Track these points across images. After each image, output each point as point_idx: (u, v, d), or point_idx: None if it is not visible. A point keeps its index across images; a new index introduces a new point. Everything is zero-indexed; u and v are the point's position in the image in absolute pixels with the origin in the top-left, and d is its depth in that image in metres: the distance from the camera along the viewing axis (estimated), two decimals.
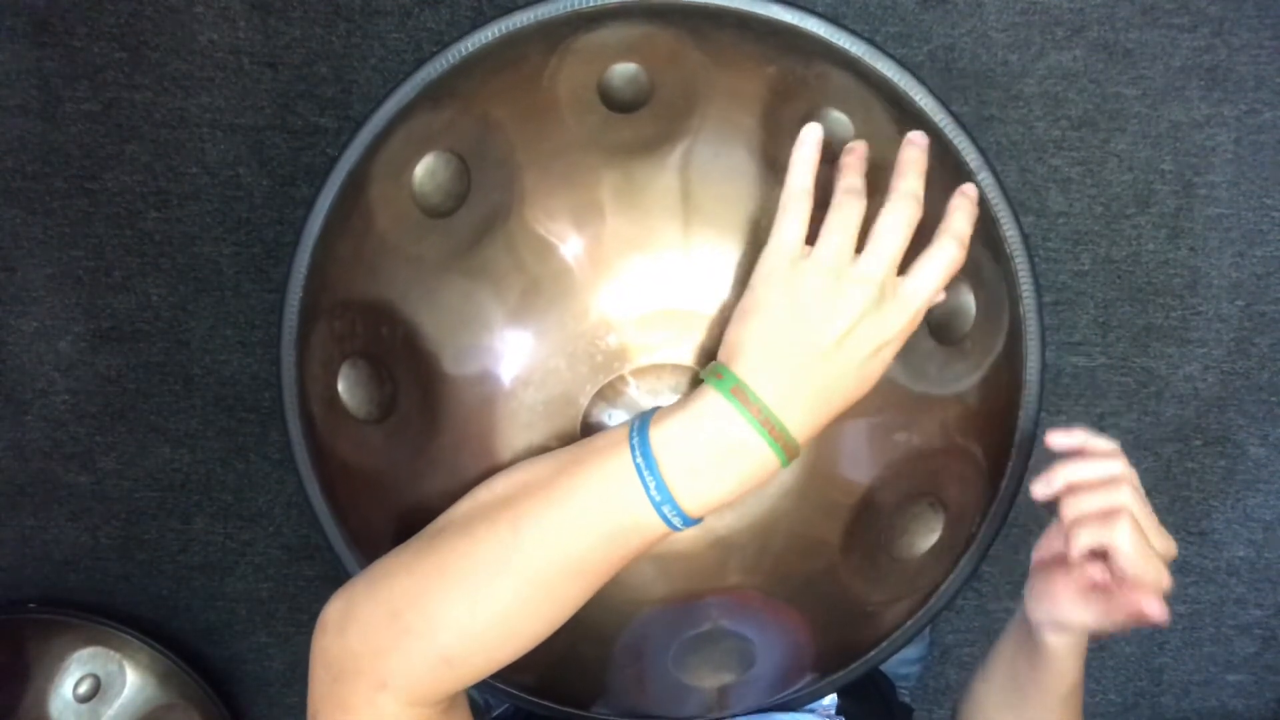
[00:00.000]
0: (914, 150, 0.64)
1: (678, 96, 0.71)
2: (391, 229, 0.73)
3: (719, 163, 0.70)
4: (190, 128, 1.47)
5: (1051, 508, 0.73)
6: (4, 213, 1.48)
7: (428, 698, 0.63)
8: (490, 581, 0.62)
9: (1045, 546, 0.77)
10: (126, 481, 1.57)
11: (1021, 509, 0.82)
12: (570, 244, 0.69)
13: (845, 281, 0.61)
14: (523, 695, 0.83)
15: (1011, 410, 0.82)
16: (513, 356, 0.70)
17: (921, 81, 0.80)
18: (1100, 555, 0.71)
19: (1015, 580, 1.61)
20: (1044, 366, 0.83)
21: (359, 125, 0.78)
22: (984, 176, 0.80)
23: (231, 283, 1.52)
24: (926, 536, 0.79)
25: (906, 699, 1.15)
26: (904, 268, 0.63)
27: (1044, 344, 0.83)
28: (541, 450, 0.70)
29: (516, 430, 0.70)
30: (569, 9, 0.76)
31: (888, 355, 0.63)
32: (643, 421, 0.62)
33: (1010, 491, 0.83)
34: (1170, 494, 1.60)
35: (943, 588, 0.83)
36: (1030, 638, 0.79)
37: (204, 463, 1.57)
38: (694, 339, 0.69)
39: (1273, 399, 1.58)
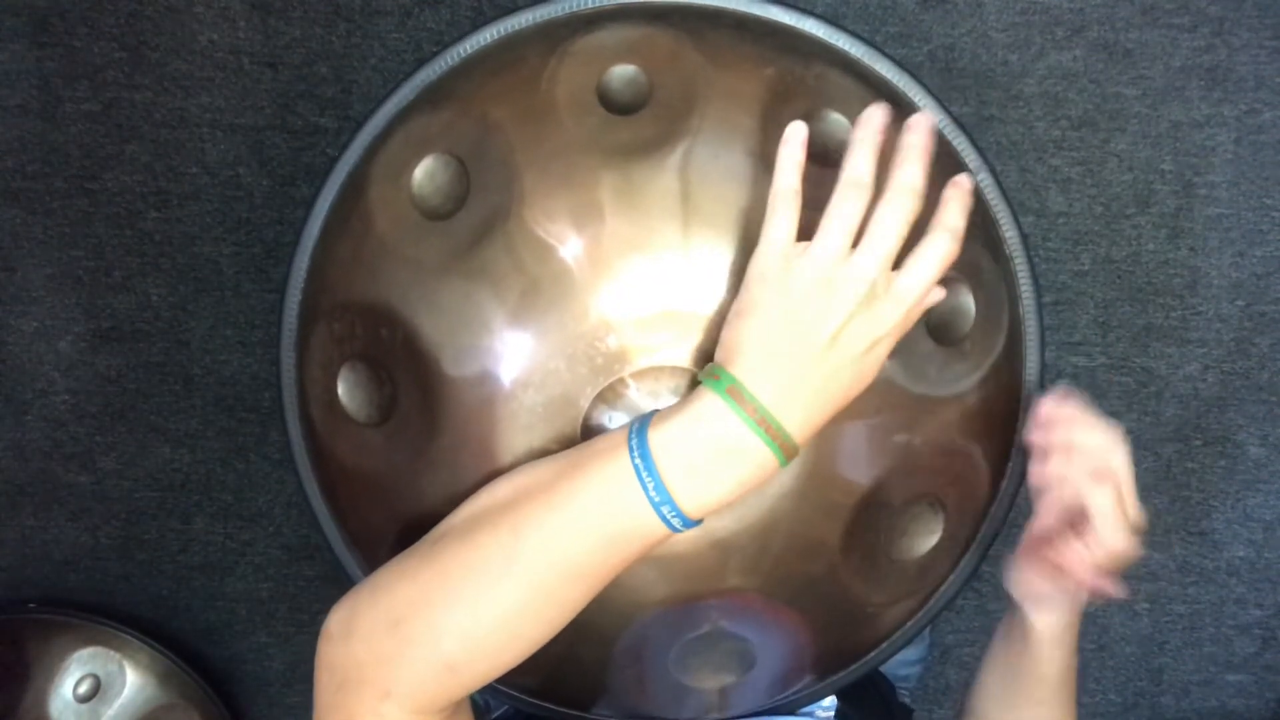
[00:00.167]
0: (915, 136, 0.62)
1: (677, 98, 0.71)
2: (391, 231, 0.73)
3: (718, 164, 0.70)
4: (190, 128, 1.47)
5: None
6: (4, 213, 1.48)
7: (432, 705, 0.63)
8: (492, 587, 0.61)
9: (1032, 528, 0.78)
10: (126, 481, 1.57)
11: (1022, 509, 0.82)
12: (569, 245, 0.69)
13: (838, 279, 0.60)
14: (523, 697, 0.83)
15: (1012, 410, 0.82)
16: (512, 358, 0.70)
17: (920, 82, 0.80)
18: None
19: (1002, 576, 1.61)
20: (1044, 367, 0.83)
21: (358, 126, 0.78)
22: (984, 176, 0.80)
23: (231, 283, 1.52)
24: (926, 537, 0.79)
25: (907, 700, 1.15)
26: (901, 259, 0.62)
27: (1044, 344, 0.83)
28: (542, 452, 0.70)
29: (516, 432, 0.70)
30: (568, 11, 0.76)
31: (882, 351, 0.62)
32: (641, 424, 0.62)
33: (1010, 492, 0.83)
34: (1170, 494, 1.60)
35: (943, 588, 0.83)
36: (1019, 626, 0.81)
37: (204, 463, 1.57)
38: (694, 341, 0.69)
39: (1273, 399, 1.58)
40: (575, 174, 0.70)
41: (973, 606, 1.62)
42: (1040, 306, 0.82)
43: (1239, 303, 1.55)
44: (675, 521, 0.61)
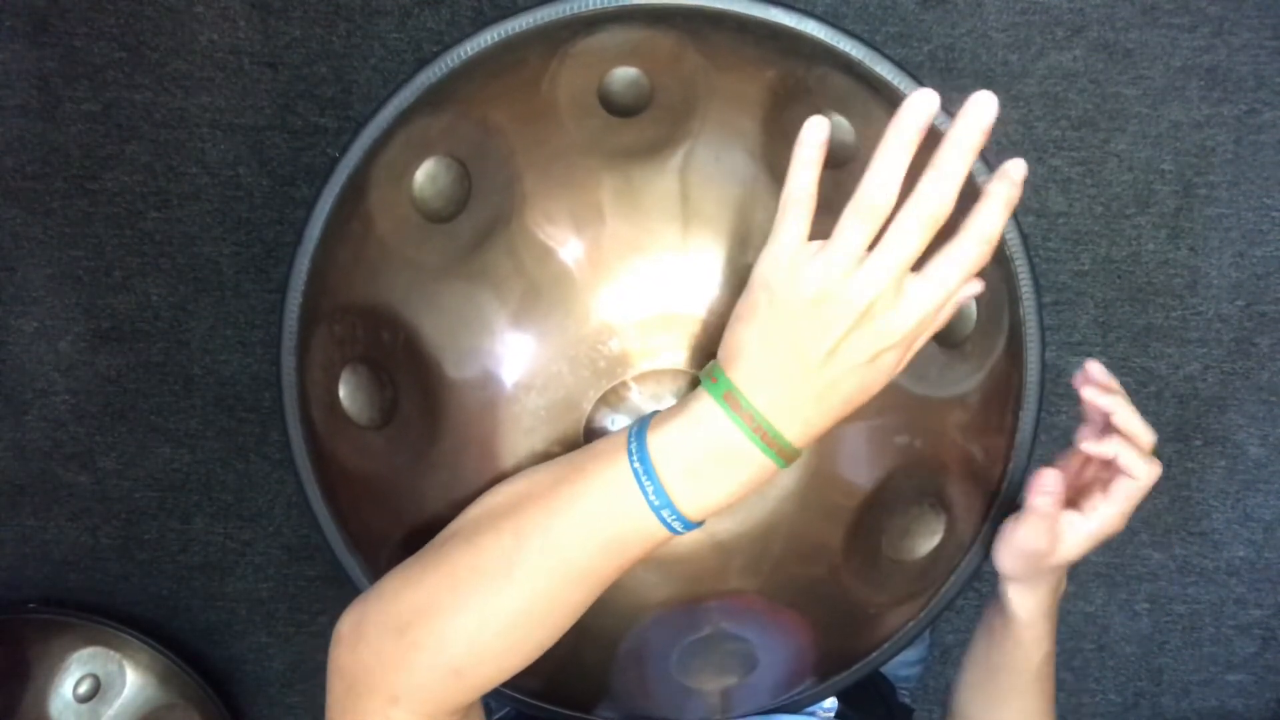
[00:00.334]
0: (968, 125, 0.56)
1: (677, 100, 0.71)
2: (392, 234, 0.73)
3: (719, 166, 0.70)
4: (190, 128, 1.47)
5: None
6: (4, 213, 1.48)
7: (440, 710, 0.63)
8: (496, 592, 0.61)
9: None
10: (126, 481, 1.57)
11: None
12: (570, 248, 0.69)
13: (842, 293, 0.57)
14: (526, 699, 0.83)
15: (1012, 411, 0.82)
16: (514, 361, 0.70)
17: (920, 83, 0.80)
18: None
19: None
20: (1044, 367, 0.83)
21: (358, 129, 0.78)
22: (984, 177, 0.80)
23: (231, 283, 1.52)
24: (928, 538, 0.79)
25: (907, 700, 1.15)
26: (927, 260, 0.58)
27: (1044, 344, 0.83)
28: (544, 455, 0.70)
29: (519, 435, 0.70)
30: (569, 13, 0.76)
31: (889, 361, 0.59)
32: (641, 426, 0.62)
33: (1011, 492, 0.83)
34: (1170, 494, 1.60)
35: (944, 589, 0.83)
36: (1001, 614, 0.82)
37: (204, 463, 1.57)
38: (695, 343, 0.68)
39: (1273, 399, 1.58)
40: (576, 176, 0.70)
41: (973, 606, 1.62)
42: (1040, 307, 0.82)
43: (1239, 303, 1.55)
44: (675, 524, 0.61)
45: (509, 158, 0.71)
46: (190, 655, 1.55)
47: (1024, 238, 0.81)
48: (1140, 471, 0.75)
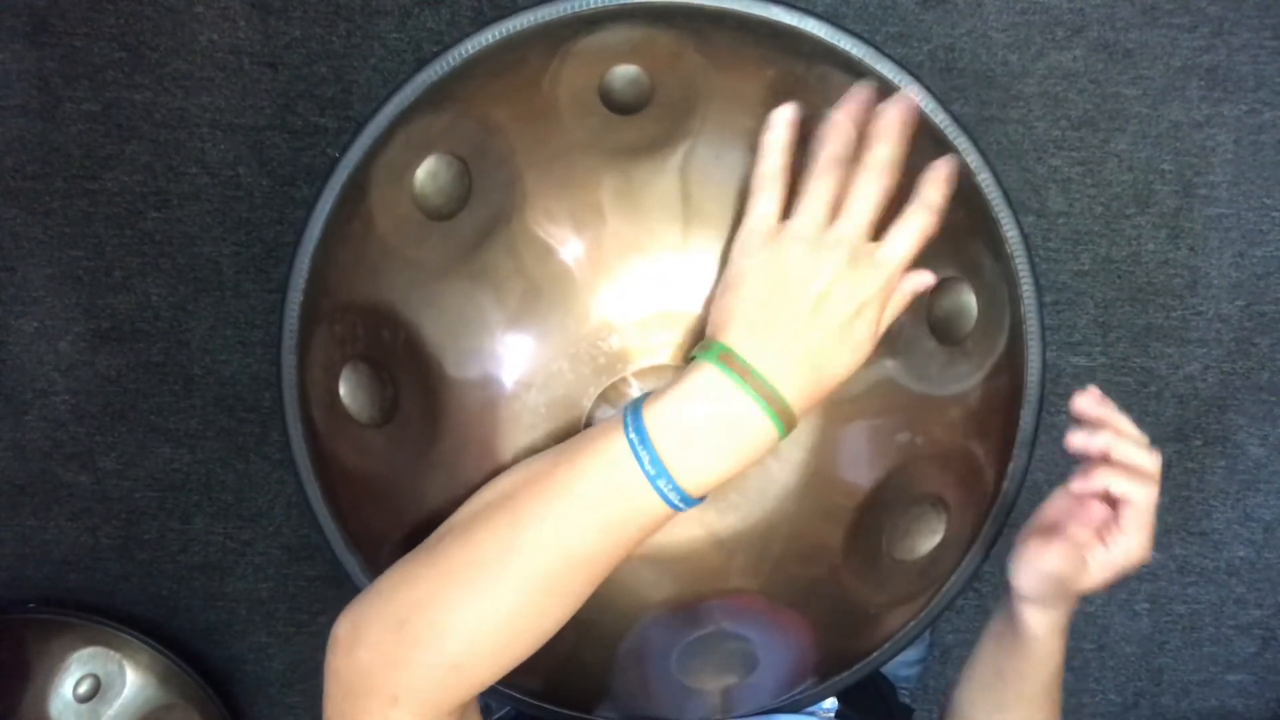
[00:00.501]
0: (894, 112, 0.65)
1: (678, 99, 0.71)
2: (392, 232, 0.73)
3: (719, 165, 0.70)
4: (190, 128, 1.47)
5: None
6: (4, 213, 1.48)
7: (440, 708, 0.62)
8: (493, 583, 0.61)
9: (1044, 511, 0.78)
10: (126, 481, 1.57)
11: (1022, 509, 0.82)
12: (570, 246, 0.69)
13: (819, 246, 0.62)
14: (526, 699, 0.83)
15: (1013, 410, 0.82)
16: (515, 359, 0.70)
17: (921, 82, 0.80)
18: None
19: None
20: (1044, 366, 0.83)
21: (359, 128, 0.78)
22: (984, 176, 0.80)
23: (231, 283, 1.52)
24: (929, 537, 0.79)
25: (907, 700, 1.15)
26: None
27: (1044, 344, 0.83)
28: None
29: (519, 433, 0.70)
30: (569, 11, 0.76)
31: (870, 318, 0.63)
32: (636, 403, 0.62)
33: (1012, 492, 0.83)
34: (1170, 494, 1.60)
35: (944, 589, 0.83)
36: (1012, 626, 0.81)
37: (204, 463, 1.57)
38: (696, 340, 0.69)
39: (1273, 399, 1.58)
40: (576, 175, 0.70)
41: (973, 606, 1.62)
42: (1041, 306, 0.82)
43: (1239, 303, 1.55)
44: (674, 497, 0.60)
45: (509, 156, 0.71)
46: (190, 655, 1.55)
47: (1024, 237, 0.81)
48: (1138, 494, 0.72)
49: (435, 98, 0.77)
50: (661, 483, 0.60)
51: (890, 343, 0.72)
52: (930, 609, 0.83)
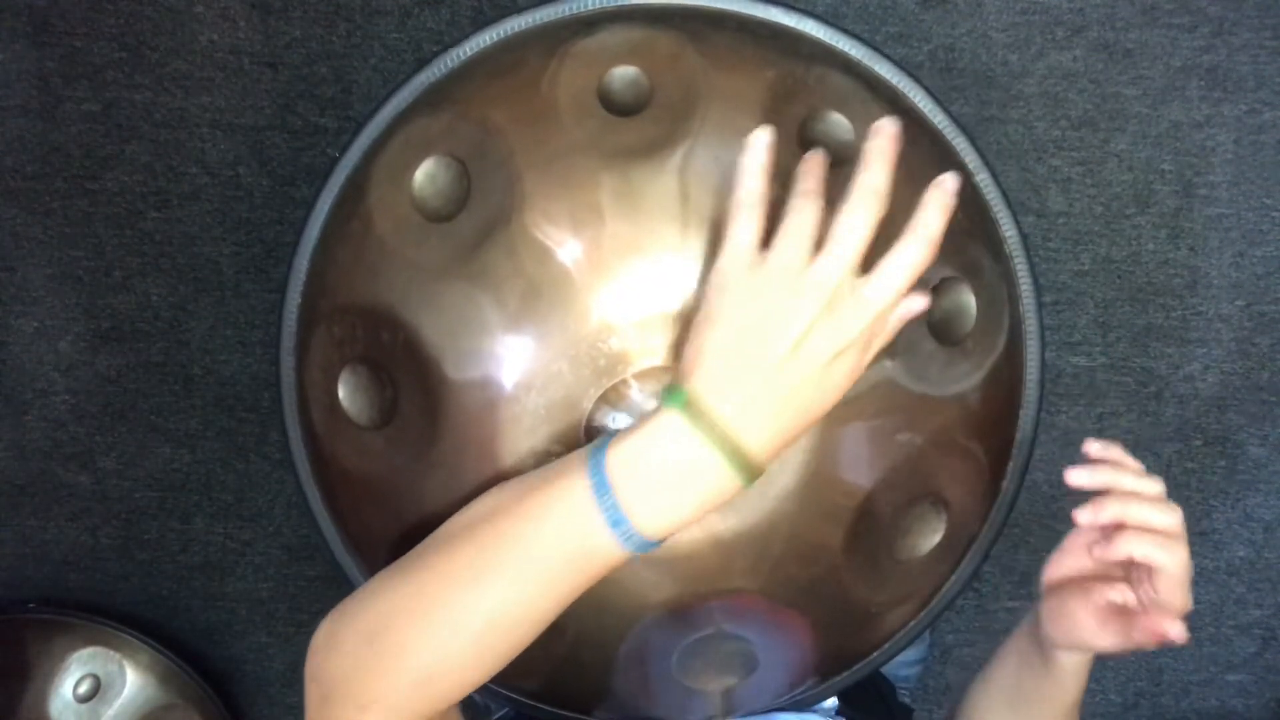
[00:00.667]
0: (880, 140, 0.60)
1: (677, 100, 0.71)
2: (391, 233, 0.73)
3: (718, 166, 0.70)
4: (190, 128, 1.47)
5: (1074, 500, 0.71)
6: (4, 213, 1.48)
7: (410, 718, 0.63)
8: (460, 604, 0.62)
9: (1060, 565, 0.75)
10: (126, 481, 1.57)
11: (1022, 509, 0.82)
12: (570, 248, 0.69)
13: (800, 286, 0.58)
14: (525, 700, 0.83)
15: (1012, 410, 0.82)
16: (514, 361, 0.70)
17: (920, 83, 0.80)
18: (1122, 572, 0.71)
19: (1015, 580, 1.61)
20: (1044, 366, 0.83)
21: (358, 129, 0.78)
22: (984, 176, 0.80)
23: (231, 283, 1.51)
24: (929, 537, 0.79)
25: (907, 700, 1.15)
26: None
27: (1044, 344, 0.83)
28: (545, 455, 0.70)
29: (519, 435, 0.70)
30: (568, 13, 0.76)
31: (850, 362, 0.60)
32: (601, 444, 0.61)
33: (1011, 492, 0.83)
34: (1170, 494, 1.60)
35: (945, 588, 0.83)
36: (1038, 651, 0.79)
37: (204, 463, 1.57)
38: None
39: (1273, 399, 1.58)
40: (575, 176, 0.70)
41: (973, 606, 1.62)
42: (1040, 306, 0.82)
43: (1239, 303, 1.55)
44: (631, 543, 0.60)
45: (508, 158, 0.71)
46: (190, 655, 1.55)
47: (1024, 237, 0.81)
48: (1166, 561, 0.68)
49: (434, 99, 0.77)
50: (619, 528, 0.59)
51: (889, 344, 0.72)
52: (930, 608, 0.83)
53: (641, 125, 0.71)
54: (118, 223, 1.49)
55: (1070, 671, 0.78)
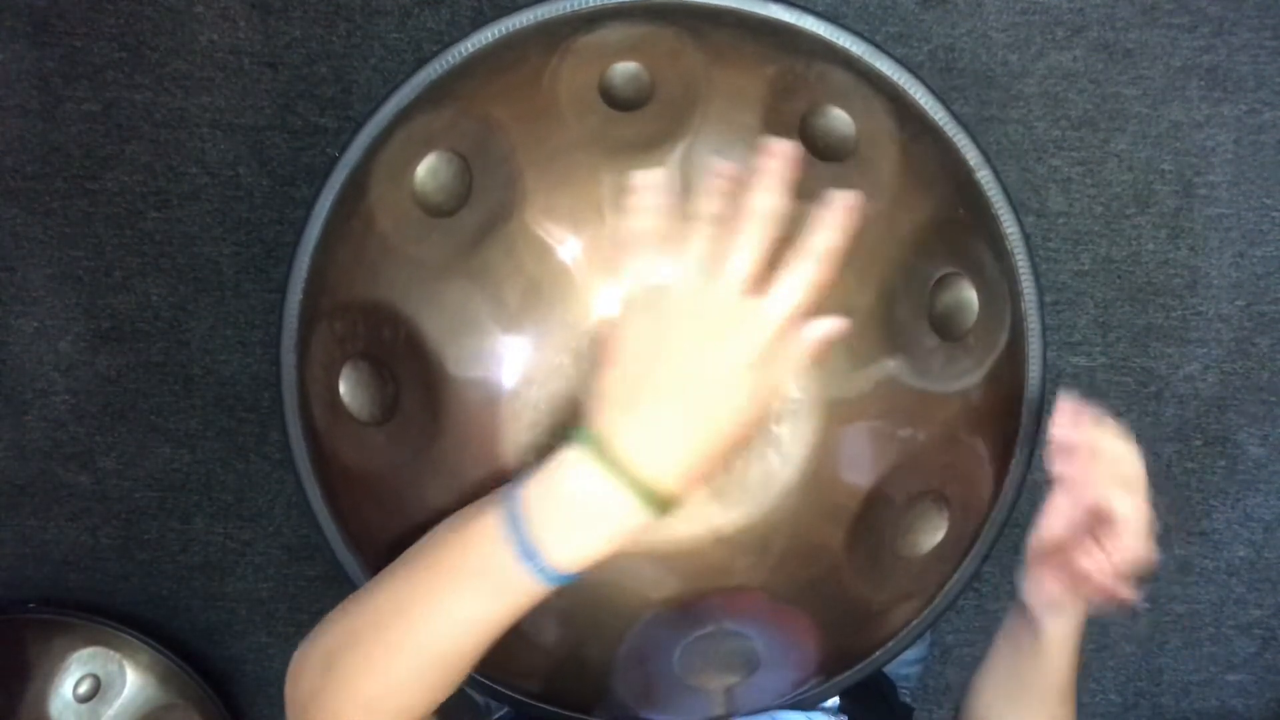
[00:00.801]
0: (768, 161, 0.60)
1: (678, 95, 0.71)
2: (393, 230, 0.73)
3: (720, 161, 0.70)
4: (190, 128, 1.47)
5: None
6: (4, 213, 1.48)
7: None
8: (398, 637, 0.64)
9: (1040, 536, 0.77)
10: (126, 481, 1.57)
11: (1026, 506, 0.82)
12: (570, 244, 0.69)
13: (694, 310, 0.59)
14: (526, 700, 0.83)
15: (1014, 406, 0.82)
16: (515, 356, 0.70)
17: (920, 79, 0.80)
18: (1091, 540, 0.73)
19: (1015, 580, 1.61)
20: (1045, 363, 0.83)
21: (359, 126, 0.78)
22: (984, 175, 0.80)
23: (231, 283, 1.51)
24: (931, 534, 0.79)
25: (907, 699, 1.15)
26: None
27: (1045, 341, 0.83)
28: (546, 449, 0.69)
29: (520, 430, 0.70)
30: (569, 10, 0.76)
31: (752, 382, 0.60)
32: (520, 480, 0.62)
33: (1013, 490, 0.83)
34: (1170, 494, 1.60)
35: (948, 586, 0.83)
36: (1028, 629, 0.81)
37: (204, 463, 1.56)
38: None
39: (1273, 399, 1.58)
40: (576, 173, 0.70)
41: (973, 606, 1.62)
42: (1042, 303, 0.82)
43: (1239, 303, 1.55)
44: (545, 576, 0.61)
45: (510, 155, 0.71)
46: (190, 655, 1.55)
47: (1025, 235, 0.81)
48: (1126, 506, 0.71)
49: (435, 95, 0.77)
50: (532, 562, 0.60)
51: (892, 340, 0.72)
52: (933, 607, 0.83)
53: (642, 121, 0.71)
54: (118, 223, 1.49)
55: (1057, 644, 0.79)
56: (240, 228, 1.50)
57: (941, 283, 0.73)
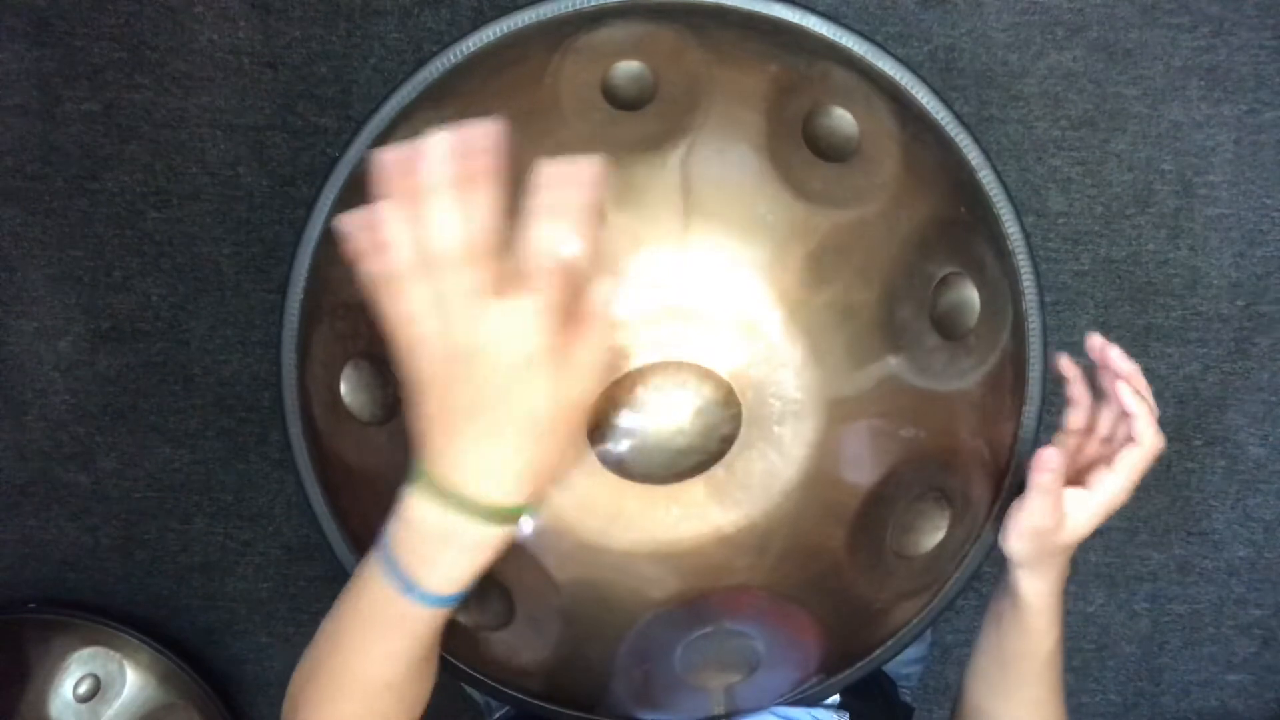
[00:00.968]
0: (434, 141, 0.55)
1: (681, 94, 0.71)
2: None
3: (721, 160, 0.70)
4: (190, 128, 1.47)
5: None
6: (4, 213, 1.48)
7: None
8: (338, 671, 0.68)
9: (1065, 424, 0.84)
10: (126, 481, 1.57)
11: None
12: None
13: (453, 330, 0.56)
14: (526, 699, 0.83)
15: (1016, 405, 0.82)
16: None
17: (921, 78, 0.80)
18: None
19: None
20: (1046, 362, 0.83)
21: (360, 125, 0.78)
22: (985, 174, 0.80)
23: (231, 283, 1.51)
24: (933, 533, 0.79)
25: (907, 698, 1.15)
26: None
27: (1046, 340, 0.83)
28: None
29: None
30: (571, 8, 0.76)
31: (548, 372, 0.57)
32: (389, 521, 0.63)
33: (1014, 487, 0.83)
34: (1170, 494, 1.60)
35: (948, 584, 0.83)
36: (1009, 600, 0.82)
37: (204, 463, 1.56)
38: (699, 336, 0.69)
39: (1273, 399, 1.58)
40: None
41: (973, 607, 1.62)
42: (1043, 302, 0.82)
43: (1239, 303, 1.55)
44: (430, 601, 0.63)
45: (511, 153, 0.71)
46: (190, 655, 1.55)
47: (1026, 234, 0.81)
48: (1148, 437, 0.77)
49: (437, 94, 0.77)
50: (413, 594, 0.62)
51: (894, 338, 0.72)
52: (934, 605, 0.83)
53: (644, 120, 0.71)
54: (118, 223, 1.49)
55: (1035, 607, 0.81)
56: (240, 228, 1.50)
57: (943, 282, 0.73)
